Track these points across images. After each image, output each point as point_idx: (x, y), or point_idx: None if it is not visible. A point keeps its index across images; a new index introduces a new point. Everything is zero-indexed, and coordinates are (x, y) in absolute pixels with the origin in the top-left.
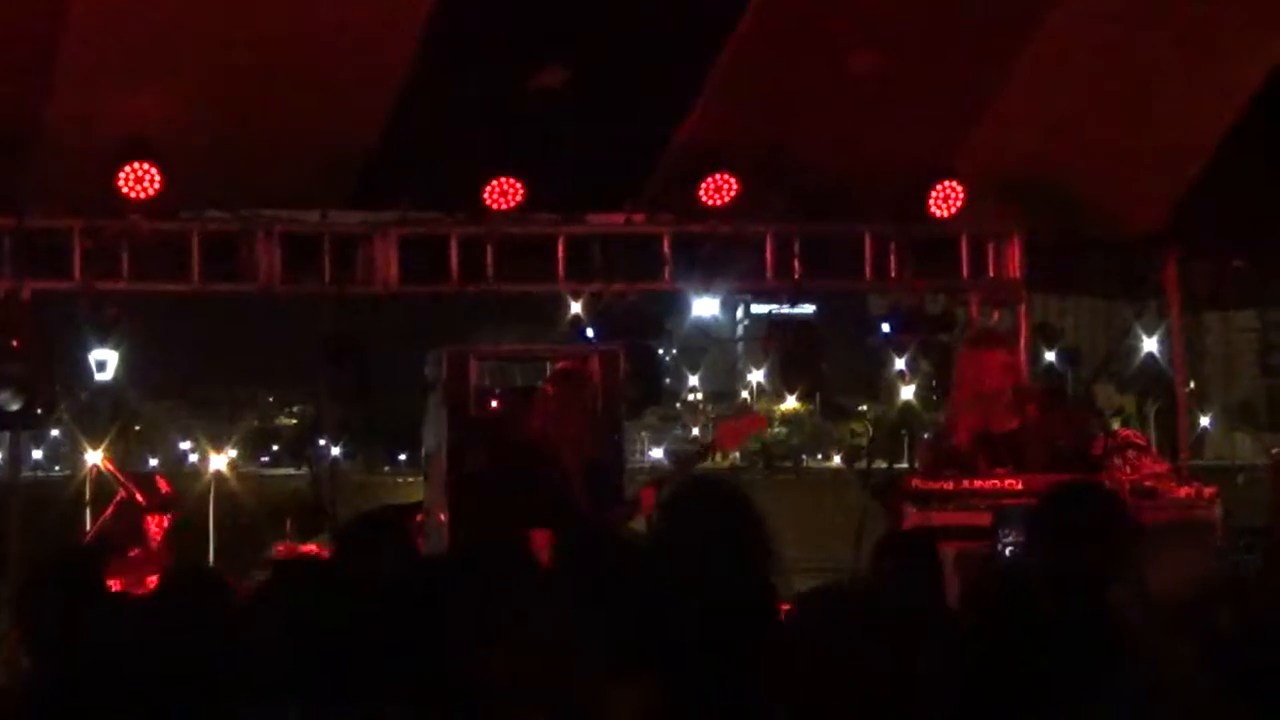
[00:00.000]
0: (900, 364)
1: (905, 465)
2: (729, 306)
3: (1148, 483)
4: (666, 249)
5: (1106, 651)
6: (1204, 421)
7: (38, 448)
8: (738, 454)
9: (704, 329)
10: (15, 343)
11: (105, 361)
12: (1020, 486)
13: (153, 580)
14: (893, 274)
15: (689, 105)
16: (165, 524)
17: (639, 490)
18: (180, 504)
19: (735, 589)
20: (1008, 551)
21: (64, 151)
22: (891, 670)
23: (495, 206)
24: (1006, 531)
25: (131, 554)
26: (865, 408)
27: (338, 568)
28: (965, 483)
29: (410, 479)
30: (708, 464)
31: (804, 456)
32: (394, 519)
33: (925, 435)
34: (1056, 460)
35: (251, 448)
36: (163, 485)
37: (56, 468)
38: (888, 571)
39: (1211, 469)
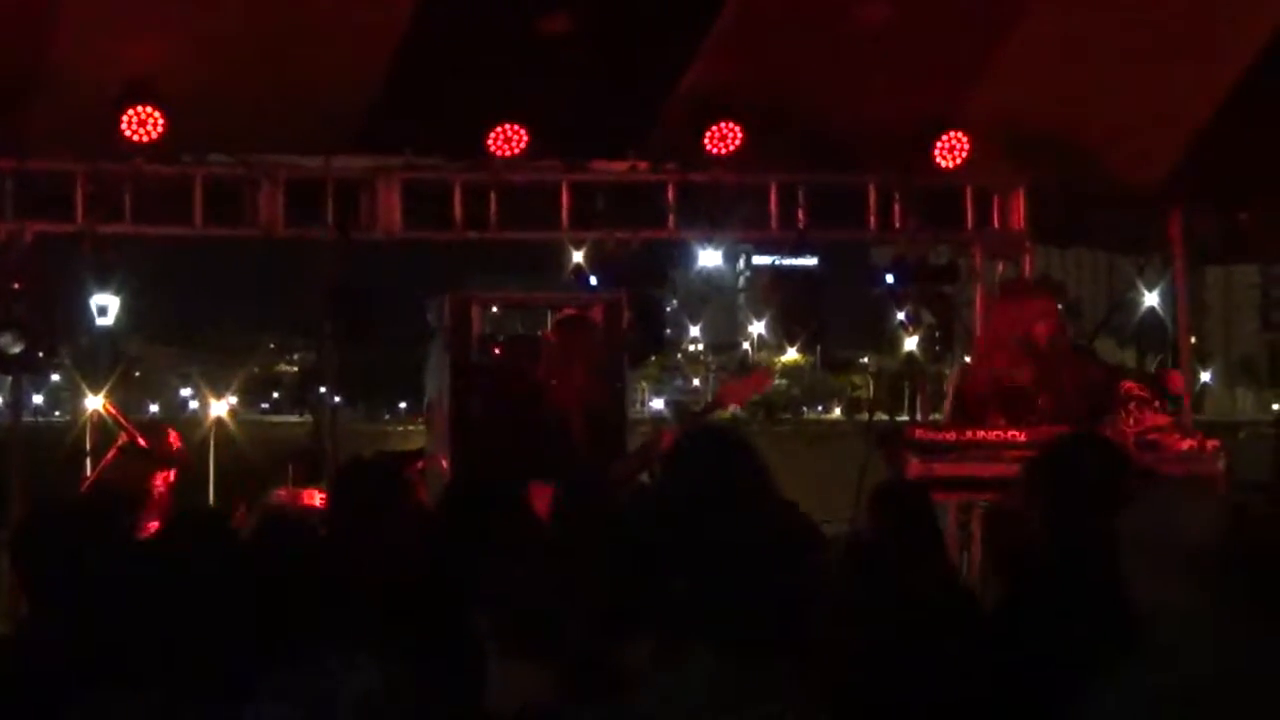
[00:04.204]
0: (901, 315)
1: (906, 417)
2: (731, 257)
3: (1151, 435)
4: (670, 197)
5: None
6: (1204, 377)
7: (38, 393)
8: (738, 405)
9: (707, 279)
10: (17, 285)
11: (106, 306)
12: (1023, 438)
13: (154, 526)
14: (897, 225)
15: (694, 54)
16: (170, 478)
17: (656, 434)
18: (187, 460)
19: (738, 536)
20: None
21: (67, 94)
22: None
23: (499, 153)
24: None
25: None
26: (866, 360)
27: (330, 516)
28: (968, 433)
29: (411, 427)
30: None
31: (804, 408)
32: (388, 466)
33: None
34: (1066, 413)
35: (252, 394)
36: (173, 440)
37: (56, 413)
38: (883, 523)
39: (1213, 425)
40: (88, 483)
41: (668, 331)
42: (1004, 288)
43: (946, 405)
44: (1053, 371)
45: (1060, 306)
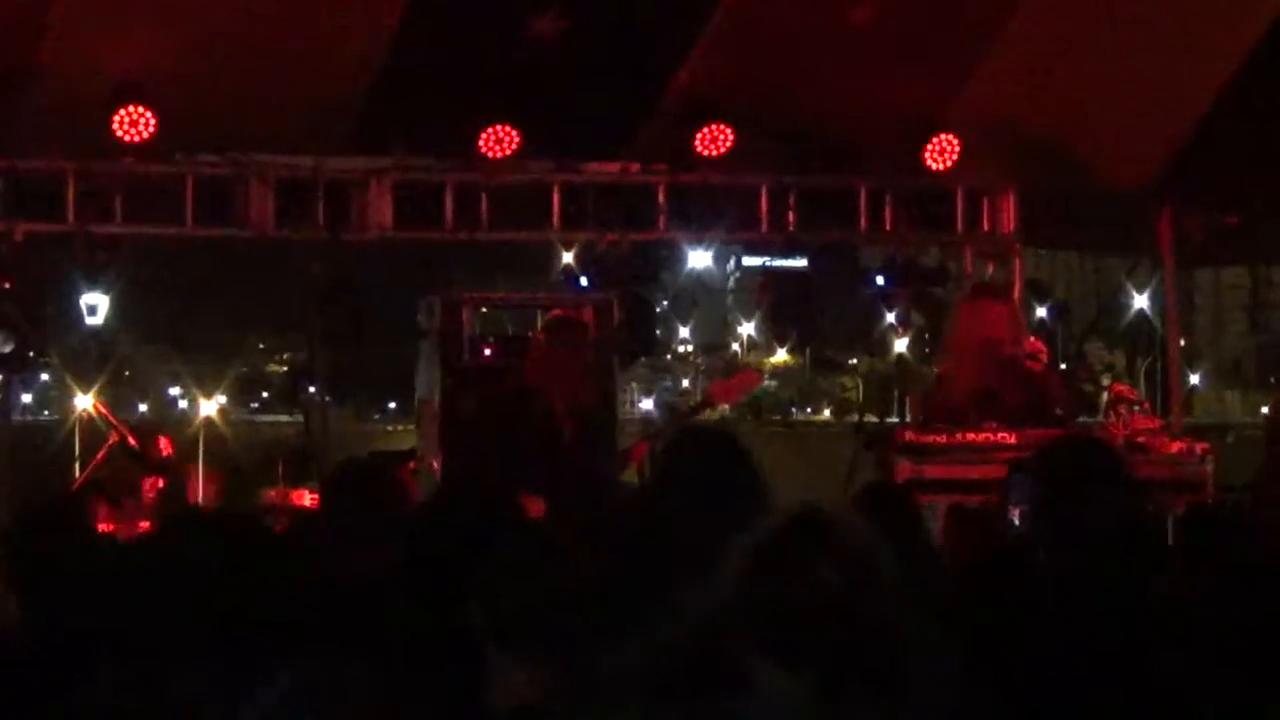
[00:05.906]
0: (891, 317)
1: (896, 419)
2: (721, 258)
3: (1140, 438)
4: (661, 198)
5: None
6: (1193, 379)
7: (27, 392)
8: (727, 406)
9: (697, 280)
10: (7, 284)
11: (96, 305)
12: (1013, 440)
13: (144, 527)
14: (887, 226)
15: (685, 55)
16: (160, 485)
17: (631, 444)
18: (178, 468)
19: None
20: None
21: (58, 93)
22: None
23: (490, 154)
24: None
25: (123, 501)
26: (856, 361)
27: (323, 516)
28: (958, 436)
29: (400, 427)
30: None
31: (794, 410)
32: (380, 467)
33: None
34: (1044, 420)
35: (242, 394)
36: (164, 446)
37: (45, 412)
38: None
39: (1202, 427)
40: (78, 483)
41: (658, 332)
42: (966, 294)
43: (915, 413)
44: (1018, 377)
45: (1048, 310)
